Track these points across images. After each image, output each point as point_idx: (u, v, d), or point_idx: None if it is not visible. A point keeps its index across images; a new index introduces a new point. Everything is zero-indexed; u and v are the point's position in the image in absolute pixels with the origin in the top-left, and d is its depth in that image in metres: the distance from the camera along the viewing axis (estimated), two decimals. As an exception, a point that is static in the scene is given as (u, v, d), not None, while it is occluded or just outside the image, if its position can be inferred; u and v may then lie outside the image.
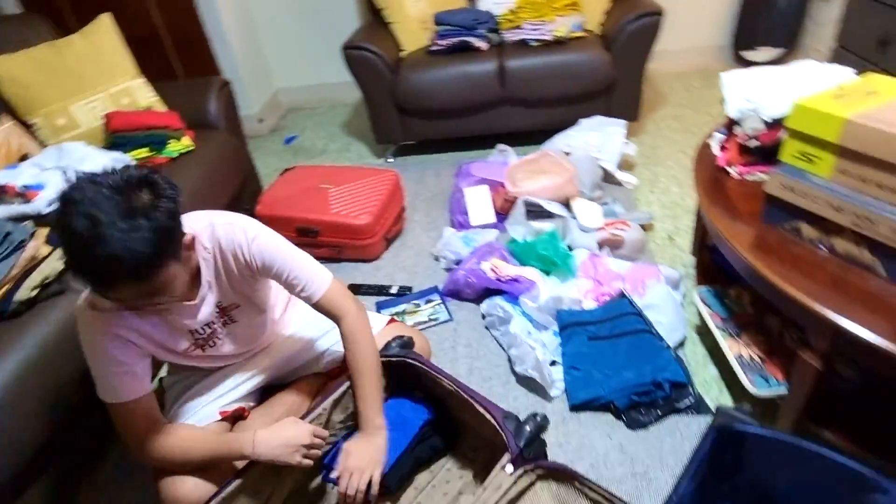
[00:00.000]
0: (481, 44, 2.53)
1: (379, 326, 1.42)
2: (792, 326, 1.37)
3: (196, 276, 1.08)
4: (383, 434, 1.17)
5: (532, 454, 1.07)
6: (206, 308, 1.13)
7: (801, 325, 1.17)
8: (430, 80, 2.49)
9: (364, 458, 1.12)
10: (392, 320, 1.47)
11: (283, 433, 1.10)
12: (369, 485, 1.12)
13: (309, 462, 1.12)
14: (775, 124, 1.35)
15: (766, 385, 1.27)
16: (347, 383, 1.29)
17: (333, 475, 1.15)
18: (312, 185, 2.19)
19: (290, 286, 1.16)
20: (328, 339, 1.38)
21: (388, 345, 1.33)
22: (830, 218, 1.12)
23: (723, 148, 1.51)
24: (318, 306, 1.18)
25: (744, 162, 1.43)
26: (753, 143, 1.39)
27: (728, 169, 1.46)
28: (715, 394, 1.46)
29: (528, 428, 1.08)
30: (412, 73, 2.51)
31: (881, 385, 1.26)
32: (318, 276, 1.16)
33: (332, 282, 1.18)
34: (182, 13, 3.00)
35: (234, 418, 1.26)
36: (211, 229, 1.09)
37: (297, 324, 1.42)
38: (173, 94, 2.19)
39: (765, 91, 1.41)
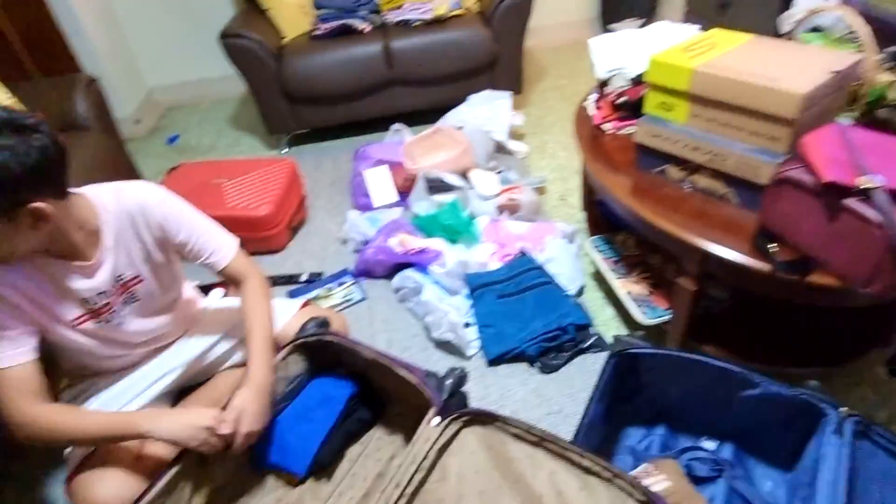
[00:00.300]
0: (364, 26, 2.54)
1: (293, 311, 1.42)
2: (671, 261, 1.54)
3: (94, 239, 1.04)
4: (270, 391, 1.14)
5: (455, 406, 1.13)
6: (102, 275, 1.07)
7: (677, 257, 1.32)
8: (315, 66, 2.46)
9: (257, 418, 1.09)
10: (306, 303, 1.47)
11: (185, 416, 1.06)
12: None
13: (213, 445, 1.06)
14: (638, 81, 1.49)
15: (654, 314, 1.42)
16: (276, 358, 1.28)
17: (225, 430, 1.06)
18: (204, 182, 2.10)
19: (197, 252, 1.15)
20: (241, 330, 1.36)
21: (303, 327, 1.33)
22: (690, 158, 1.27)
23: (597, 108, 1.64)
24: (224, 272, 1.19)
25: (616, 118, 1.57)
26: (622, 100, 1.53)
27: (603, 126, 1.59)
28: (613, 331, 1.60)
29: (448, 382, 1.14)
30: (296, 59, 2.46)
31: (747, 302, 1.44)
32: (227, 241, 1.20)
33: (238, 248, 1.22)
34: (29, 8, 2.72)
35: None
36: (116, 192, 1.07)
37: (206, 318, 1.39)
38: (33, 95, 1.99)
39: (627, 52, 1.56)
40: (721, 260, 1.13)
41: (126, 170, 2.19)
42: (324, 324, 1.38)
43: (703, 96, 1.21)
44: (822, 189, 0.99)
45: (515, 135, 2.59)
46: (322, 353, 1.36)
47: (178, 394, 1.34)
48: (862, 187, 0.94)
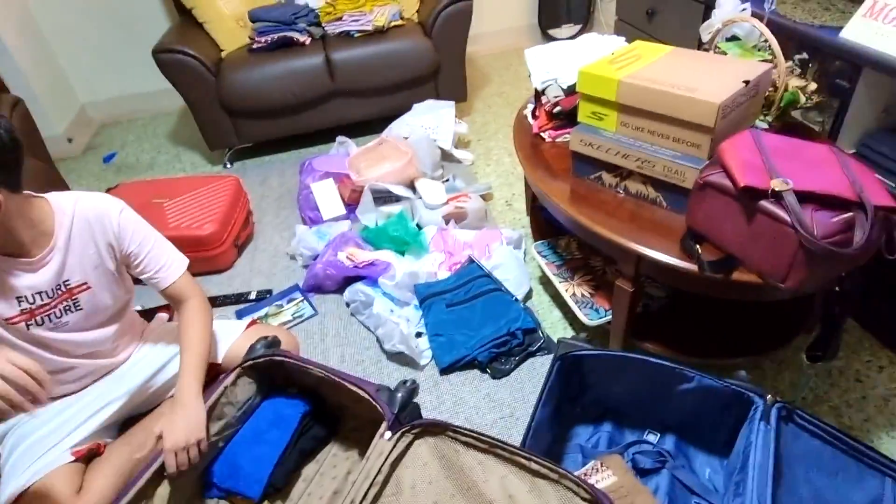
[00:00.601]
0: (304, 38, 2.52)
1: (239, 331, 1.40)
2: (611, 263, 1.60)
3: (45, 240, 1.06)
4: (197, 404, 1.14)
5: (407, 418, 1.15)
6: (46, 274, 1.07)
7: (614, 260, 1.37)
8: (255, 80, 2.43)
9: (183, 433, 1.09)
10: (253, 322, 1.46)
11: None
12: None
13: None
14: (572, 91, 1.55)
15: (597, 315, 1.47)
16: (218, 392, 1.27)
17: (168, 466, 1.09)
18: (144, 202, 2.03)
19: (145, 266, 1.18)
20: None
21: (252, 348, 1.32)
22: (621, 165, 1.33)
23: (535, 116, 1.69)
24: (168, 291, 1.22)
25: (553, 126, 1.62)
26: (557, 109, 1.58)
27: (542, 135, 1.64)
28: (560, 333, 1.65)
29: (399, 395, 1.15)
30: (235, 73, 2.42)
31: (683, 299, 1.52)
32: (176, 260, 1.23)
33: (186, 268, 1.25)
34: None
35: (89, 457, 1.17)
36: (76, 199, 1.11)
37: (150, 343, 1.36)
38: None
39: (561, 63, 1.61)
40: (654, 261, 1.19)
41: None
42: (273, 343, 1.37)
43: (629, 106, 1.27)
44: (739, 192, 1.05)
45: (461, 142, 2.63)
46: (273, 373, 1.36)
47: (123, 424, 1.31)
48: (775, 190, 1.01)
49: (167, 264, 1.21)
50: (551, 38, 3.73)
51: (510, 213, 2.17)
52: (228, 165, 2.71)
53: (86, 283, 1.14)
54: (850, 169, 1.08)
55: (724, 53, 1.51)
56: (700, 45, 1.72)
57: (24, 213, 1.02)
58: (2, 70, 2.73)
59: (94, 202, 1.13)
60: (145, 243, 1.18)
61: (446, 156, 2.46)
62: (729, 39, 1.57)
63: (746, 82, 1.19)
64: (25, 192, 1.04)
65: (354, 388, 1.18)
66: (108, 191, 2.18)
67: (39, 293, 1.08)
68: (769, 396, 1.09)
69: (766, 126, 1.43)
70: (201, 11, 2.57)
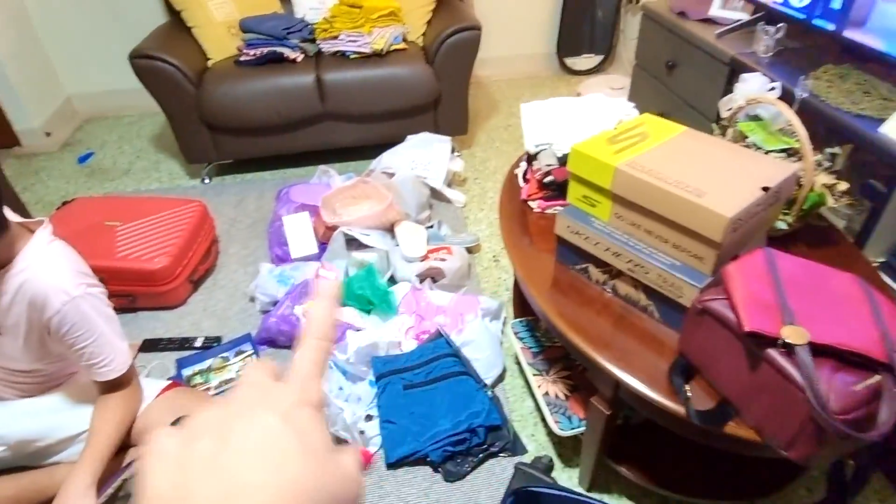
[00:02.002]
0: (295, 55, 2.34)
1: (152, 395, 1.24)
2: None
3: None
4: (89, 494, 1.06)
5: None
6: None
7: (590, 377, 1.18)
8: (239, 95, 2.26)
9: None
10: (172, 385, 1.29)
11: None
12: None
13: None
14: (566, 161, 1.35)
15: (570, 425, 1.28)
16: (115, 484, 1.10)
17: None
18: (95, 223, 1.87)
19: (79, 357, 1.11)
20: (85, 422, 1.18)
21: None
22: (611, 263, 1.14)
23: (525, 180, 1.51)
24: (97, 383, 1.15)
25: (543, 196, 1.43)
26: (549, 179, 1.39)
27: (530, 203, 1.45)
28: (530, 430, 1.46)
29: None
30: (218, 86, 2.25)
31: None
32: (117, 360, 1.14)
33: (128, 365, 1.16)
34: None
35: None
36: (29, 265, 1.04)
37: (57, 398, 1.21)
38: None
39: (558, 125, 1.42)
40: (634, 391, 1.00)
41: (10, 204, 1.94)
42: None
43: (625, 198, 1.08)
44: (742, 334, 0.86)
45: (456, 180, 2.45)
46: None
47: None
48: (787, 342, 0.82)
49: (105, 362, 1.12)
50: (569, 69, 3.54)
51: (496, 270, 1.98)
52: (207, 181, 2.54)
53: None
54: (881, 315, 0.88)
55: (745, 137, 1.31)
56: (717, 118, 1.52)
57: None
58: (-24, 55, 2.59)
59: (42, 283, 1.03)
60: (84, 338, 1.09)
61: (437, 194, 2.28)
62: (751, 118, 1.37)
63: (766, 189, 0.99)
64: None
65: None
66: (62, 205, 2.02)
67: None
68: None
69: (785, 227, 1.23)
70: (191, 14, 2.40)
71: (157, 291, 1.79)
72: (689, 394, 0.94)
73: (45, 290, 1.03)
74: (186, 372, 1.61)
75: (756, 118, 1.35)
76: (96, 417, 1.13)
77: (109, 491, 1.09)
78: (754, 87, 1.31)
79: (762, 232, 1.14)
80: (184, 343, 1.72)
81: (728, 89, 1.75)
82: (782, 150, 1.26)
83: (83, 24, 2.93)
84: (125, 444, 1.22)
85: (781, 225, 1.23)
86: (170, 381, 1.32)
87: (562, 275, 1.25)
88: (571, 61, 3.55)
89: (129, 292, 1.78)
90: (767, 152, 1.24)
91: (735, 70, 1.73)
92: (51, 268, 1.05)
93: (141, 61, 2.15)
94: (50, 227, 1.13)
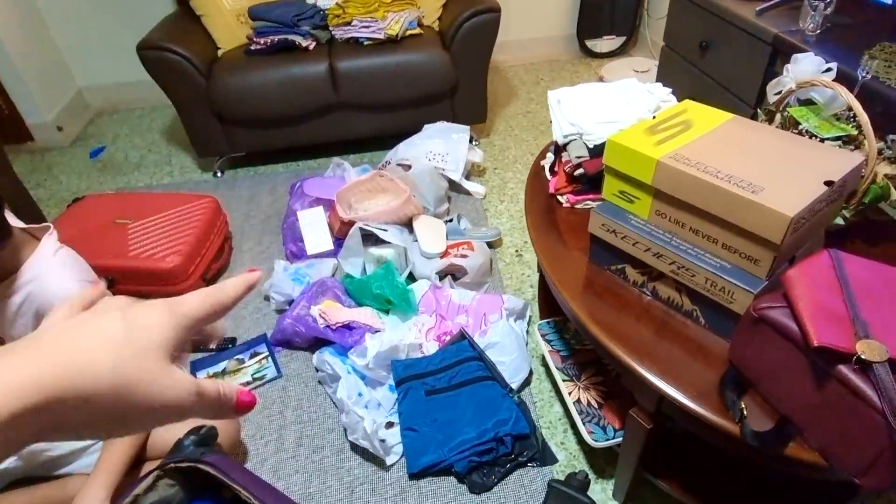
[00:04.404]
0: (307, 42, 2.26)
1: None
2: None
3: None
4: None
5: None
6: None
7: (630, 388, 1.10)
8: (250, 85, 2.18)
9: None
10: None
11: None
12: None
13: None
14: (599, 151, 1.26)
15: (604, 435, 1.20)
16: (128, 500, 1.05)
17: None
18: (106, 222, 1.81)
19: None
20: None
21: (179, 443, 1.09)
22: (652, 265, 1.05)
23: (553, 172, 1.41)
24: None
25: (573, 190, 1.34)
26: (579, 172, 1.29)
27: (558, 197, 1.36)
28: (560, 437, 1.38)
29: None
30: (228, 76, 2.18)
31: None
32: None
33: None
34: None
35: None
36: (40, 273, 1.01)
37: None
38: None
39: (589, 113, 1.32)
40: (680, 407, 0.91)
41: (21, 201, 1.89)
42: (205, 439, 1.13)
43: (669, 193, 0.99)
44: (810, 349, 0.77)
45: (475, 170, 2.36)
46: (201, 474, 1.13)
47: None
48: (862, 358, 0.73)
49: None
50: (590, 52, 3.40)
51: (519, 266, 1.90)
52: (219, 174, 2.48)
53: (2, 341, 1.06)
54: (965, 325, 0.78)
55: (796, 122, 1.20)
56: (761, 101, 1.41)
57: None
58: (-14, 49, 2.54)
59: (50, 294, 1.01)
60: None
61: (455, 186, 2.19)
62: (802, 102, 1.26)
63: (829, 183, 0.89)
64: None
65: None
66: (72, 202, 1.97)
67: None
68: None
69: (840, 222, 1.13)
70: (199, 3, 2.32)
71: (170, 292, 1.73)
72: (744, 412, 0.85)
73: (53, 301, 0.98)
74: (201, 375, 1.56)
75: (808, 102, 1.24)
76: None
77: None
78: (807, 69, 1.20)
79: (821, 230, 1.04)
80: (196, 345, 1.66)
81: (770, 71, 1.64)
82: (838, 138, 1.15)
83: (93, 14, 2.87)
84: (140, 458, 1.18)
85: (838, 220, 1.13)
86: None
87: (595, 276, 1.16)
88: (592, 43, 3.41)
89: (141, 293, 1.72)
90: (822, 140, 1.14)
91: (778, 50, 1.60)
92: (58, 279, 1.01)
93: (149, 53, 2.08)
94: (55, 233, 1.08)
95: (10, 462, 1.13)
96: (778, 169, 0.93)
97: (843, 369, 0.75)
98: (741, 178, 0.90)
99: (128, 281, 1.69)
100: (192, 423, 1.16)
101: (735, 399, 0.88)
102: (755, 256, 0.91)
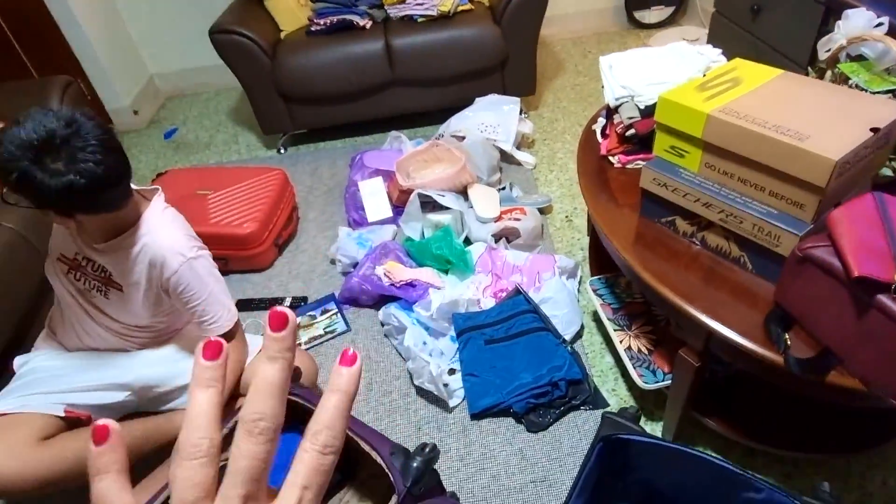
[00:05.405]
0: (364, 21, 2.37)
1: (255, 350, 1.34)
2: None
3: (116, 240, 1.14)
4: None
5: (422, 489, 1.03)
6: (99, 257, 1.16)
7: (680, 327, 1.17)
8: (312, 65, 2.31)
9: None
10: None
11: None
12: None
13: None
14: (650, 112, 1.32)
15: (654, 378, 1.28)
16: (228, 426, 1.20)
17: None
18: (188, 192, 1.99)
19: (191, 315, 1.20)
20: None
21: (269, 380, 1.24)
22: (701, 214, 1.11)
23: (604, 135, 1.48)
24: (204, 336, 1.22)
25: (624, 150, 1.41)
26: (631, 132, 1.36)
27: (610, 158, 1.43)
28: (611, 384, 1.47)
29: (415, 464, 1.03)
30: (292, 57, 2.32)
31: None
32: (224, 318, 1.22)
33: (234, 324, 1.25)
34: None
35: (75, 423, 1.21)
36: (151, 229, 1.14)
37: (173, 349, 1.34)
38: (10, 99, 1.90)
39: (639, 76, 1.38)
40: (728, 342, 0.99)
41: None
42: (293, 376, 1.28)
43: (718, 146, 1.05)
44: (850, 281, 0.83)
45: (524, 142, 2.43)
46: (289, 407, 1.28)
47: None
48: (900, 286, 0.79)
49: (213, 319, 1.21)
50: (638, 23, 3.38)
51: (569, 230, 1.97)
52: (282, 151, 2.65)
53: (121, 287, 1.19)
54: None
55: (846, 78, 1.23)
56: (814, 61, 1.43)
57: (107, 222, 1.11)
58: (73, 40, 2.77)
59: (161, 246, 1.14)
60: (195, 298, 1.17)
61: (507, 157, 2.28)
62: (853, 58, 1.28)
63: (875, 130, 0.94)
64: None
65: (368, 448, 1.07)
66: (156, 178, 2.16)
67: (90, 260, 1.18)
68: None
69: (891, 174, 1.16)
70: (263, -11, 2.46)
71: (248, 255, 1.90)
72: (788, 342, 0.93)
73: (164, 252, 1.13)
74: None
75: (859, 58, 1.27)
76: None
77: (225, 431, 1.19)
78: (859, 24, 1.22)
79: (867, 179, 1.08)
80: (273, 303, 1.83)
81: (822, 30, 1.64)
82: (888, 91, 1.18)
83: (161, 5, 3.07)
84: (234, 394, 1.33)
85: (887, 172, 1.16)
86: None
87: (646, 229, 1.23)
88: (640, 14, 3.38)
89: (222, 256, 1.89)
90: (873, 94, 1.17)
91: (830, 9, 1.61)
92: (168, 232, 1.15)
93: (220, 36, 2.24)
94: (162, 195, 1.23)
95: (126, 396, 1.30)
96: (825, 118, 0.98)
97: (883, 298, 0.81)
98: (788, 127, 0.96)
99: (211, 245, 1.86)
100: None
101: (780, 332, 0.95)
102: (801, 202, 0.98)
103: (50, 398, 1.21)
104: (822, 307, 0.91)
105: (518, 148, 2.33)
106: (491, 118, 2.26)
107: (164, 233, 1.16)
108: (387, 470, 1.03)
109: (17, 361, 1.30)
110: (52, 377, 1.25)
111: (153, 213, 1.18)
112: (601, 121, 1.54)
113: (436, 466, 1.09)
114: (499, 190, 2.02)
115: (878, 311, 0.82)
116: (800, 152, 0.92)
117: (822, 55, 1.31)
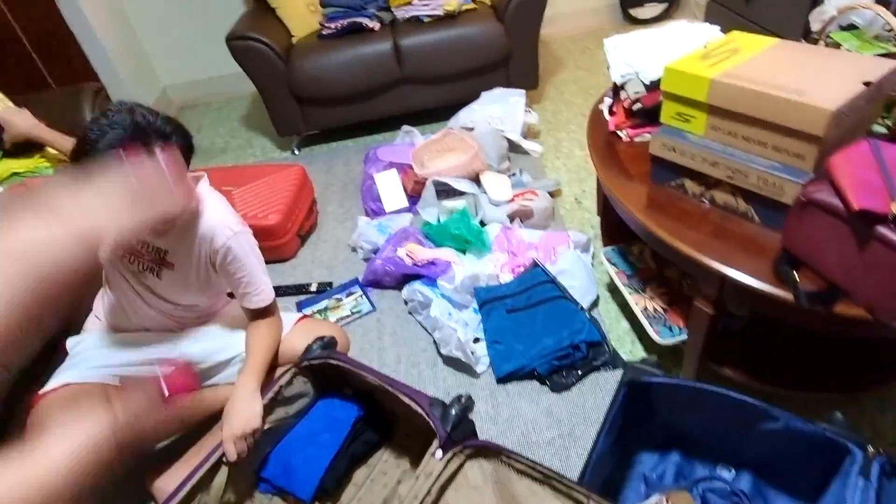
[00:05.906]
0: (373, 24, 2.47)
1: (290, 324, 1.41)
2: (688, 276, 1.47)
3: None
4: (254, 398, 1.22)
5: (461, 436, 1.10)
6: (151, 236, 1.22)
7: (693, 278, 1.25)
8: (324, 67, 2.41)
9: (241, 423, 1.17)
10: (303, 317, 1.46)
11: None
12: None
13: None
14: (655, 87, 1.41)
15: (670, 334, 1.36)
16: (273, 390, 1.28)
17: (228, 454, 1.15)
18: (215, 188, 2.07)
19: (236, 287, 1.29)
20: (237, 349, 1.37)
21: (309, 348, 1.32)
22: (708, 173, 1.20)
23: (612, 112, 1.57)
24: (246, 310, 1.32)
25: (631, 125, 1.50)
26: (637, 106, 1.45)
27: (618, 133, 1.52)
28: (628, 347, 1.54)
29: (453, 412, 1.10)
30: (305, 60, 2.42)
31: (769, 320, 1.37)
32: (263, 294, 1.31)
33: (271, 300, 1.34)
34: (41, 14, 2.72)
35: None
36: (204, 202, 1.23)
37: (216, 327, 1.43)
38: (43, 108, 1.99)
39: (643, 54, 1.47)
40: (740, 285, 1.07)
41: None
42: (329, 344, 1.35)
43: (722, 108, 1.14)
44: (852, 216, 0.91)
45: (530, 132, 2.52)
46: (328, 373, 1.35)
47: None
48: (896, 215, 0.87)
49: (257, 291, 1.30)
50: (633, 20, 3.50)
51: (579, 211, 2.06)
52: (296, 152, 2.74)
53: (174, 265, 1.26)
54: None
55: (838, 46, 1.32)
56: (807, 35, 1.53)
57: None
58: (91, 54, 2.87)
59: (211, 220, 1.22)
60: (242, 269, 1.26)
61: (514, 147, 2.37)
62: (844, 28, 1.37)
63: (867, 84, 1.03)
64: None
65: (407, 400, 1.15)
66: (181, 176, 2.24)
67: (145, 243, 1.24)
68: (870, 448, 0.95)
69: (883, 131, 1.24)
70: (274, -3, 2.57)
71: (273, 245, 1.98)
72: (797, 278, 1.00)
73: (214, 225, 1.21)
74: (306, 312, 1.80)
75: (850, 28, 1.36)
76: (251, 340, 1.32)
77: (270, 395, 1.26)
78: (846, -5, 1.32)
79: (861, 131, 1.16)
80: (300, 289, 1.91)
81: (814, 4, 1.74)
82: (879, 55, 1.27)
83: (173, 19, 3.18)
84: (273, 365, 1.40)
85: (880, 129, 1.25)
86: (301, 315, 1.49)
87: (657, 194, 1.32)
88: (635, 11, 3.50)
89: (248, 247, 1.98)
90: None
91: (820, -11, 1.70)
92: (217, 209, 1.24)
93: (237, 42, 2.34)
94: (207, 179, 1.31)
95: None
96: (820, 76, 1.07)
97: (882, 229, 0.89)
98: (786, 85, 1.05)
99: (237, 237, 1.95)
100: (317, 333, 1.38)
101: (789, 270, 1.02)
102: (801, 153, 1.06)
103: (102, 371, 1.28)
104: (827, 245, 0.99)
105: (525, 138, 2.42)
106: (497, 110, 2.36)
107: (213, 209, 1.25)
108: (427, 419, 1.10)
109: (70, 342, 1.37)
110: (103, 355, 1.33)
111: (203, 192, 1.26)
112: (607, 100, 1.63)
113: (469, 421, 1.16)
114: (509, 176, 2.11)
115: (878, 241, 0.90)
116: (799, 106, 1.01)
117: (815, 26, 1.40)
